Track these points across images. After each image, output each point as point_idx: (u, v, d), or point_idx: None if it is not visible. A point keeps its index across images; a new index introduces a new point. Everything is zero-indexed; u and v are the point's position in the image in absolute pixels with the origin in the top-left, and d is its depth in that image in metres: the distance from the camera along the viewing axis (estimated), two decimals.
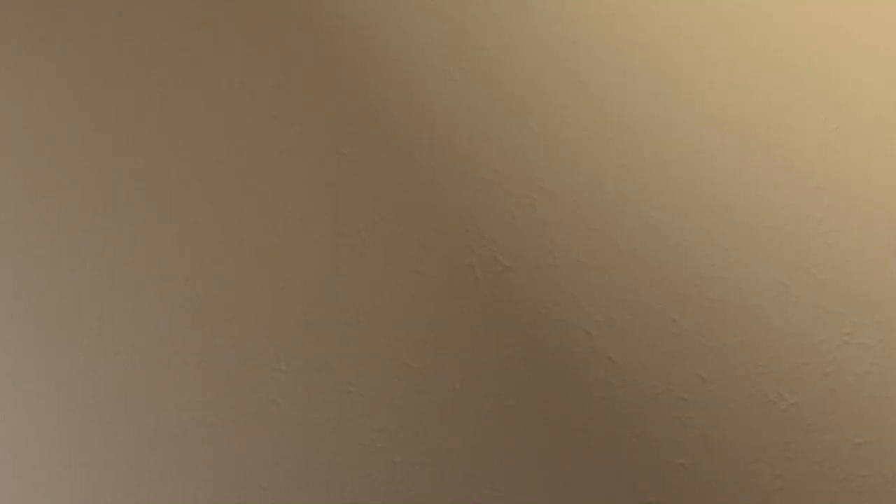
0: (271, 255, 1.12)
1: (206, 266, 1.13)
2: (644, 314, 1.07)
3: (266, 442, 1.12)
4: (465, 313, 1.09)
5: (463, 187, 1.08)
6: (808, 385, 1.06)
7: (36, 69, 1.18)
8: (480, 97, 1.08)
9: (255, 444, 1.12)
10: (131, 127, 1.15)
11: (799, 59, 1.03)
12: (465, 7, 1.08)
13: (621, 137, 1.06)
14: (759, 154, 1.04)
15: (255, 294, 1.12)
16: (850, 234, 1.04)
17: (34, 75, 1.18)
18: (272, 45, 1.12)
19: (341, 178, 1.10)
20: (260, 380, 1.12)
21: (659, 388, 1.08)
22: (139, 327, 1.14)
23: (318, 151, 1.11)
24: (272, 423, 1.11)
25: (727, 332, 1.06)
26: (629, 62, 1.05)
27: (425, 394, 1.11)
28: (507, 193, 1.08)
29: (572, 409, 1.08)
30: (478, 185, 1.08)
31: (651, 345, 1.07)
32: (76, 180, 1.16)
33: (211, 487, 1.13)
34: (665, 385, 1.08)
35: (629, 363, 1.08)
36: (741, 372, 1.07)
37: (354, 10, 1.10)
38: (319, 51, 1.11)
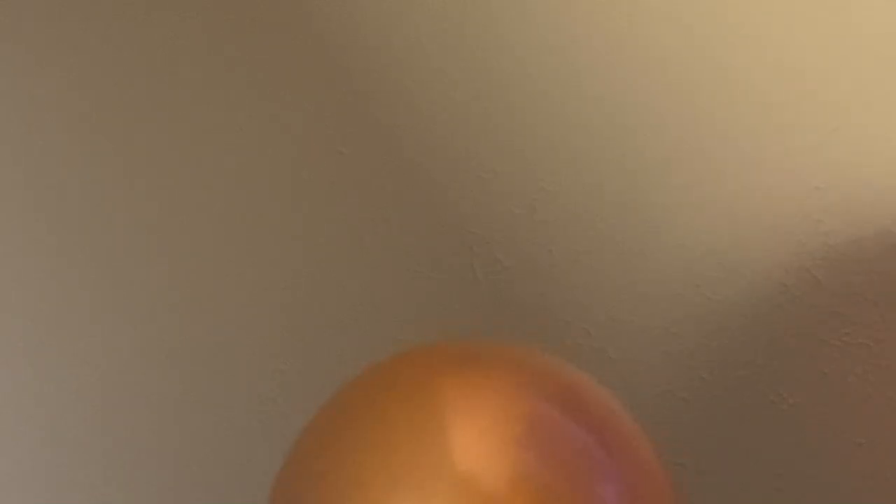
0: (271, 254, 1.12)
1: (205, 266, 1.13)
2: (644, 314, 1.07)
3: (266, 442, 1.12)
4: (465, 313, 1.09)
5: (463, 187, 1.08)
6: (808, 385, 1.06)
7: (33, 66, 1.18)
8: (480, 97, 1.08)
9: (254, 444, 1.12)
10: (129, 128, 1.15)
11: (799, 59, 1.03)
12: (465, 6, 1.08)
13: (621, 137, 1.06)
14: (759, 154, 1.04)
15: (254, 294, 1.12)
16: (850, 234, 1.04)
17: (31, 73, 1.18)
18: (272, 44, 1.12)
19: (341, 178, 1.10)
20: (260, 380, 1.12)
21: (659, 388, 1.08)
22: (137, 327, 1.14)
23: (318, 151, 1.11)
24: (272, 423, 1.11)
25: (727, 332, 1.06)
26: (629, 62, 1.05)
27: None
28: (507, 193, 1.08)
29: None
30: (478, 185, 1.08)
31: (651, 345, 1.07)
32: (71, 178, 1.16)
33: (210, 487, 1.13)
34: (665, 385, 1.08)
35: (629, 363, 1.08)
36: (741, 372, 1.07)
37: (354, 10, 1.09)
38: (319, 50, 1.11)
